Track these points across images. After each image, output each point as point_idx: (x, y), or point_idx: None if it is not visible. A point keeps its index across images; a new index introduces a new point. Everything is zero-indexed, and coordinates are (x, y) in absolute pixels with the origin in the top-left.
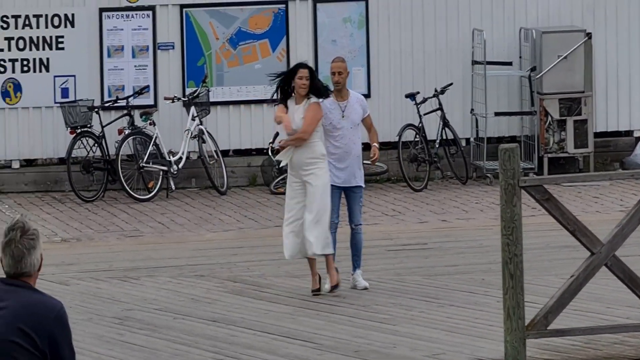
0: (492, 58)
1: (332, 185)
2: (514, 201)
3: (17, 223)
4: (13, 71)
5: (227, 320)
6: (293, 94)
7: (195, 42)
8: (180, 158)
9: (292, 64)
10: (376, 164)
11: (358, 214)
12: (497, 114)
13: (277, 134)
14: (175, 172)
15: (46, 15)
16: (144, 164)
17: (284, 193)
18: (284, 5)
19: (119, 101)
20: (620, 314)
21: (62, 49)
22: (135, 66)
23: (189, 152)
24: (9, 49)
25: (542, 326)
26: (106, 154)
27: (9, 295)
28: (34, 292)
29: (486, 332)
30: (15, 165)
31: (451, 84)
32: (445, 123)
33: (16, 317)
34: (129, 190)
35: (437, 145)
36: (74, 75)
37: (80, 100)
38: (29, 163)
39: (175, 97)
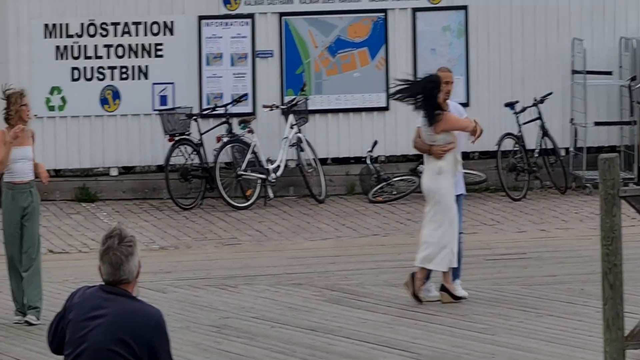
0: (592, 67)
1: None
2: (614, 211)
3: (115, 230)
4: (112, 78)
5: (325, 329)
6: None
7: (294, 50)
8: (279, 166)
9: (391, 72)
10: (475, 172)
11: (460, 222)
12: (596, 123)
13: (375, 143)
14: (273, 180)
15: (145, 23)
16: (242, 172)
17: (382, 202)
18: (383, 14)
19: (217, 109)
20: None
21: (161, 56)
22: (233, 74)
23: (287, 160)
24: (108, 57)
25: None
26: (204, 161)
27: (109, 304)
28: (133, 300)
29: (585, 343)
30: (114, 172)
31: (550, 93)
32: (545, 132)
33: (116, 325)
34: (227, 198)
35: (536, 155)
36: (172, 83)
37: (179, 107)
38: (127, 170)
39: (273, 105)
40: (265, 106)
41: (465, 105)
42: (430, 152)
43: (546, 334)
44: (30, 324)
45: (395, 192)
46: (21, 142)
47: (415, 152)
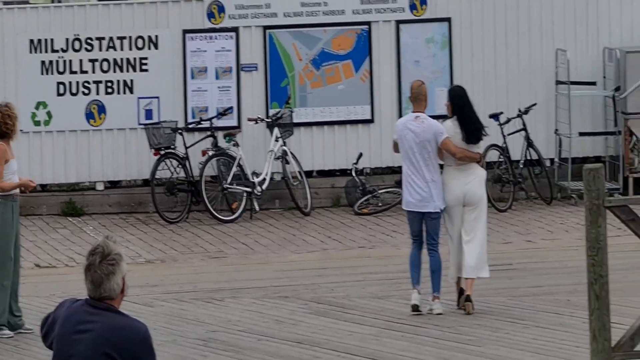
0: (576, 78)
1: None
2: (599, 222)
3: (98, 248)
4: (97, 93)
5: (312, 342)
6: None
7: (279, 63)
8: (264, 179)
9: (375, 84)
10: None
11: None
12: (581, 134)
13: (360, 155)
14: (259, 193)
15: (130, 37)
16: (227, 185)
17: (368, 214)
18: (367, 26)
19: (202, 122)
20: None
21: (146, 70)
22: (218, 87)
23: (272, 173)
24: (93, 71)
25: (628, 348)
26: (190, 175)
27: (95, 318)
28: (119, 315)
29: (572, 354)
30: (100, 187)
31: (535, 104)
32: (529, 143)
33: (102, 340)
34: (212, 211)
35: (521, 166)
36: (157, 97)
37: (164, 121)
38: (113, 185)
39: (258, 118)
40: (250, 119)
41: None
42: (480, 161)
43: (533, 345)
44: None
45: (380, 204)
46: (13, 156)
47: (399, 164)
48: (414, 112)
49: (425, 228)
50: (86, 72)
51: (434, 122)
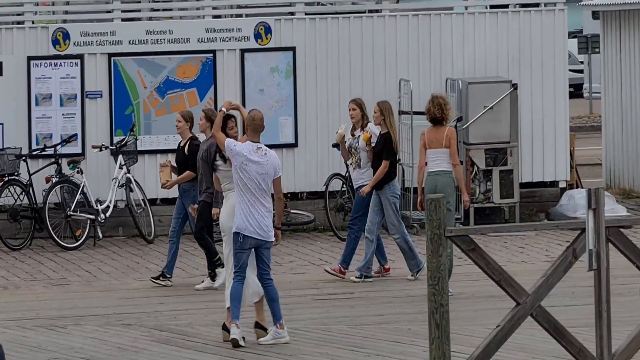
0: (419, 108)
1: None
2: (440, 251)
3: None
4: None
5: None
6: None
7: (123, 90)
8: (108, 206)
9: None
10: (303, 212)
11: None
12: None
13: None
14: (102, 221)
15: None
16: (71, 213)
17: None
18: (211, 55)
19: (46, 149)
20: None
21: None
22: (63, 114)
23: (116, 201)
24: None
25: None
26: (33, 202)
27: None
28: None
29: None
30: None
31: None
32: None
33: None
34: (56, 238)
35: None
36: (1, 124)
37: (8, 148)
38: None
39: (103, 145)
40: (94, 146)
41: (293, 145)
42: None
43: None
44: None
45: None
46: None
47: None
48: (253, 142)
49: (262, 258)
50: None
51: (274, 155)
